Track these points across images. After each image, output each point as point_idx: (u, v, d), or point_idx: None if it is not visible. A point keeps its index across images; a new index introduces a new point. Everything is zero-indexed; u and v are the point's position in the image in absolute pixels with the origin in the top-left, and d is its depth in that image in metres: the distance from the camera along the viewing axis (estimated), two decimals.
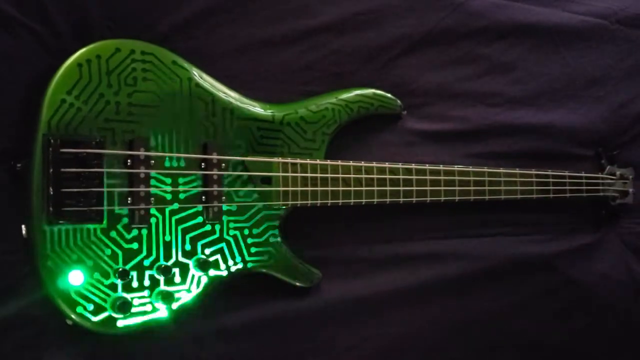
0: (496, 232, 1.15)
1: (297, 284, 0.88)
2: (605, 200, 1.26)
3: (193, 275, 0.77)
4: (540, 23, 1.19)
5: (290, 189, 0.84)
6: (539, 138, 1.18)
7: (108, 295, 0.71)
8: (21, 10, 0.73)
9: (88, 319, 0.69)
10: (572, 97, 1.24)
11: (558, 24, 1.21)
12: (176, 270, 0.76)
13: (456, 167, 0.99)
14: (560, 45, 1.22)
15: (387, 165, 0.92)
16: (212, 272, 0.79)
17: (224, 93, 0.81)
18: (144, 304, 0.73)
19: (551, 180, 1.13)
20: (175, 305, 0.75)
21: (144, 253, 0.73)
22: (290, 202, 0.84)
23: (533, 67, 1.19)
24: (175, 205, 0.76)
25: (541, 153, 1.19)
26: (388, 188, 0.92)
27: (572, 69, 1.24)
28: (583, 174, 1.20)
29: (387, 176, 0.92)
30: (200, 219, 0.78)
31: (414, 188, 0.94)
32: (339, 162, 0.88)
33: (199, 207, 0.78)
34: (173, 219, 0.76)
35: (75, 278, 0.68)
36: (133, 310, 0.72)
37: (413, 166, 0.94)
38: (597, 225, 1.28)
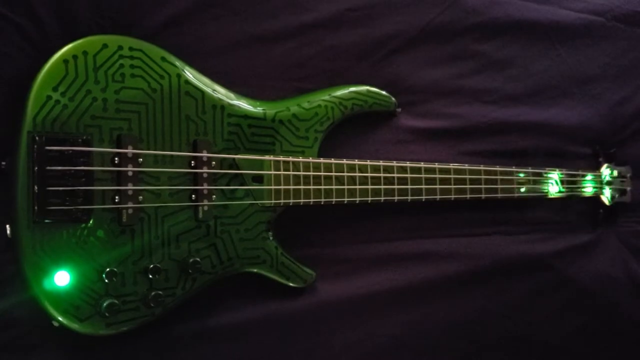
0: (493, 231, 1.14)
1: (291, 284, 0.87)
2: None
3: (183, 276, 0.76)
4: (536, 20, 1.18)
5: (282, 187, 0.83)
6: (535, 136, 1.18)
7: (95, 296, 0.69)
8: (6, 5, 0.72)
9: (75, 321, 0.68)
10: (569, 95, 1.23)
11: (554, 21, 1.20)
12: (165, 271, 0.74)
13: (452, 165, 0.98)
14: (556, 42, 1.21)
15: (381, 163, 0.91)
16: (203, 273, 0.77)
17: (214, 90, 0.79)
18: (132, 305, 0.72)
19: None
20: (164, 307, 0.74)
21: (132, 253, 0.72)
22: (282, 201, 0.82)
23: (529, 64, 1.18)
24: (164, 204, 0.74)
25: (538, 151, 1.18)
26: (382, 187, 0.91)
27: (569, 66, 1.23)
28: (580, 172, 1.19)
29: (382, 174, 0.91)
30: (190, 218, 0.76)
31: (409, 186, 0.93)
32: (332, 160, 0.87)
33: (189, 206, 0.76)
34: (162, 218, 0.74)
35: (62, 279, 0.67)
36: (121, 311, 0.70)
37: (408, 164, 0.93)
38: (595, 224, 1.27)
